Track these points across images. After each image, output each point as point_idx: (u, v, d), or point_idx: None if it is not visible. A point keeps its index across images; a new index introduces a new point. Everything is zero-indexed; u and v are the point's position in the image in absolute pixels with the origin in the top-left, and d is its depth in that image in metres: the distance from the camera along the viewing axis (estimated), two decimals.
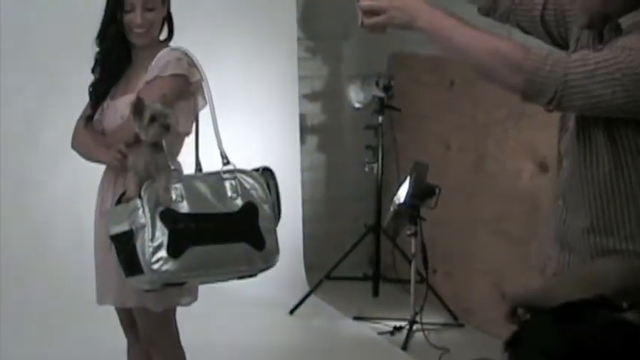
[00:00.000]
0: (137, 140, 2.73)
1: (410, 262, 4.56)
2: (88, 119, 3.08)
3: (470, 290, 4.82)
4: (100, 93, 3.07)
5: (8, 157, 4.63)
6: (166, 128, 2.69)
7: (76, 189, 4.40)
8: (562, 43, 2.23)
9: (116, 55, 3.05)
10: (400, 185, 4.41)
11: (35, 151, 4.67)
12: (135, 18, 2.97)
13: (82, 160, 3.11)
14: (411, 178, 4.34)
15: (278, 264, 2.81)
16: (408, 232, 4.41)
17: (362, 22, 2.08)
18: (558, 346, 1.50)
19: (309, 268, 5.34)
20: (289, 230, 4.63)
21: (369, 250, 5.32)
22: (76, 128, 3.12)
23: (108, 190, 3.01)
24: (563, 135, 2.13)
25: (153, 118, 2.67)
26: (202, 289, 3.05)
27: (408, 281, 4.58)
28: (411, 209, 4.36)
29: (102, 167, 3.07)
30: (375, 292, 5.24)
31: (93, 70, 3.10)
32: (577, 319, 1.55)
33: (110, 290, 3.01)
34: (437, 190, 4.29)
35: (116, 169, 2.92)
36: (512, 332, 1.59)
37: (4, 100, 4.59)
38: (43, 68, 4.62)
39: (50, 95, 4.61)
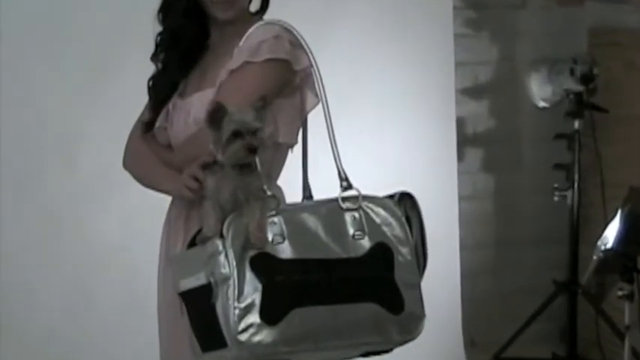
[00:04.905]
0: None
1: (622, 337, 4.50)
2: (147, 126, 3.12)
3: None
4: (164, 89, 3.10)
5: (42, 184, 4.70)
6: (252, 150, 2.65)
7: (128, 227, 4.47)
8: None
9: (188, 35, 3.08)
10: (607, 223, 4.36)
11: (74, 177, 4.73)
12: None
13: (138, 186, 3.16)
14: (623, 213, 4.29)
15: (424, 335, 2.79)
16: (620, 293, 4.35)
17: None
18: None
19: (470, 342, 5.34)
20: (441, 286, 4.62)
21: (561, 319, 5.27)
22: (131, 140, 3.17)
23: (177, 228, 3.05)
24: None
25: (236, 134, 2.63)
26: None
27: None
28: (624, 259, 4.30)
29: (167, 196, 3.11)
30: None
31: (153, 58, 3.14)
32: None
33: None
34: None
35: (189, 200, 2.94)
36: None
37: (36, 113, 4.71)
38: (80, 65, 4.72)
39: (91, 98, 4.71)
